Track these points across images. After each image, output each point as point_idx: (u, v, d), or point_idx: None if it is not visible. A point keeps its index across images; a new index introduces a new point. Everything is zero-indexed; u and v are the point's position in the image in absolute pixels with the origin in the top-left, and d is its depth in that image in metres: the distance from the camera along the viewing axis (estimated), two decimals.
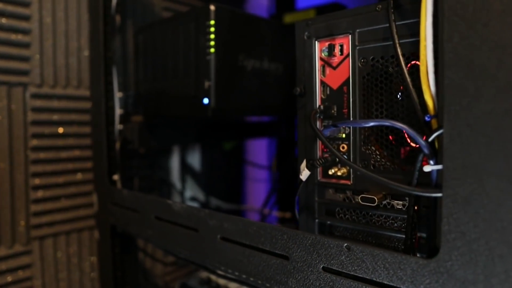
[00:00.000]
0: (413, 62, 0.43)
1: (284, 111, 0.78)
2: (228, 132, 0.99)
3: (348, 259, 0.42)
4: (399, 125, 0.38)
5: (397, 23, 0.43)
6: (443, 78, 0.35)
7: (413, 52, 0.42)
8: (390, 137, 0.46)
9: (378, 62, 0.45)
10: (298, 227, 0.54)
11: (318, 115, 0.49)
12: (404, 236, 0.44)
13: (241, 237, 0.52)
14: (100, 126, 0.75)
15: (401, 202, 0.45)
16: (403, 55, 0.43)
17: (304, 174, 0.48)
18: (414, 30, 0.42)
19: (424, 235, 0.43)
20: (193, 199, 1.01)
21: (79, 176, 0.85)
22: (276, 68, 0.75)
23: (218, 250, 0.55)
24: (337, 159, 0.49)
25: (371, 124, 0.39)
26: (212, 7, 0.63)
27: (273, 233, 0.48)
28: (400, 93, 0.44)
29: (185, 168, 1.01)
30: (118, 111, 0.77)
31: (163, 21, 0.74)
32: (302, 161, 0.53)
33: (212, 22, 0.63)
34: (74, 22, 0.83)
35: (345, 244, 0.42)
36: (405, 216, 0.44)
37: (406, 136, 0.45)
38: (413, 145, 0.45)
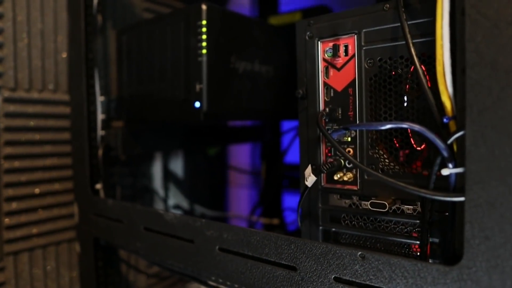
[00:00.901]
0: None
1: (275, 115, 0.76)
2: (212, 137, 0.96)
3: (362, 268, 0.40)
4: (417, 127, 0.36)
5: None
6: (464, 78, 0.34)
7: (423, 53, 0.41)
8: (395, 140, 0.45)
9: (386, 63, 0.44)
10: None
11: (324, 118, 0.47)
12: (416, 241, 0.43)
13: (242, 248, 0.49)
14: (82, 132, 0.71)
15: (411, 207, 0.43)
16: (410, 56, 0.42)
17: (310, 180, 0.46)
18: (424, 30, 0.41)
19: (436, 240, 0.42)
20: (177, 207, 0.97)
21: (57, 185, 0.80)
22: (267, 70, 0.72)
23: (216, 262, 0.52)
24: (347, 163, 0.47)
25: (388, 126, 0.38)
26: (204, 6, 0.61)
27: (278, 243, 0.46)
28: (410, 95, 0.43)
29: (168, 175, 0.97)
30: (100, 116, 0.72)
31: (149, 21, 0.70)
32: (304, 166, 0.51)
33: (204, 22, 0.61)
34: (50, 21, 0.78)
35: (359, 253, 0.40)
36: (416, 221, 0.43)
37: (412, 139, 0.44)
38: (418, 148, 0.44)
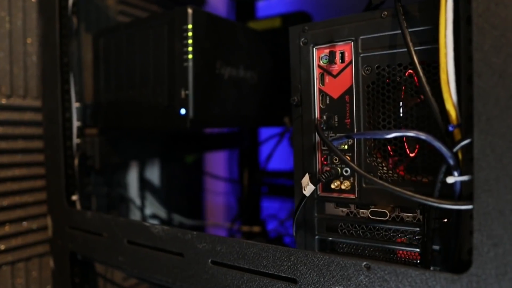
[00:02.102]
0: (410, 71, 0.42)
1: (259, 121, 0.75)
2: (190, 144, 0.93)
3: (367, 279, 0.39)
4: (424, 135, 0.36)
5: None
6: (471, 87, 0.34)
7: (423, 61, 0.41)
8: (389, 147, 0.45)
9: (384, 70, 0.44)
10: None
11: (322, 125, 0.46)
12: (415, 249, 0.43)
13: (238, 261, 0.47)
14: (56, 141, 0.67)
15: (410, 215, 0.43)
16: (411, 64, 0.42)
17: (308, 189, 0.45)
18: (422, 38, 0.41)
19: (436, 247, 0.42)
20: (154, 216, 0.94)
21: (27, 197, 0.74)
22: (251, 76, 0.71)
23: (209, 275, 0.49)
24: (344, 172, 0.46)
25: (393, 135, 0.37)
26: (190, 10, 0.58)
27: (277, 255, 0.44)
28: (408, 102, 0.43)
29: (144, 183, 0.93)
30: (76, 124, 0.68)
31: (129, 24, 0.67)
32: (299, 175, 0.50)
33: (190, 26, 0.59)
34: (19, 22, 0.73)
35: (364, 263, 0.39)
36: (415, 229, 0.43)
37: (407, 146, 0.44)
38: (411, 154, 0.44)
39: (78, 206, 0.68)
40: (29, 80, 0.75)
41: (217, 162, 1.13)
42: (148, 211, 0.93)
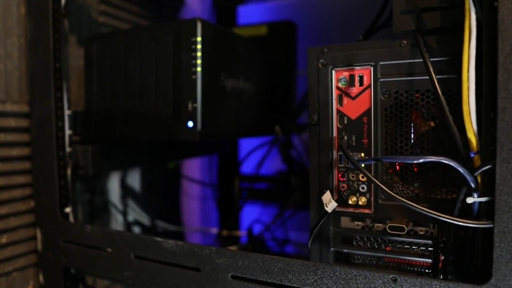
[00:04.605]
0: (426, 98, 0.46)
1: (257, 131, 0.76)
2: (174, 150, 0.92)
3: None
4: (449, 161, 0.40)
5: (419, 60, 0.45)
6: (496, 119, 0.38)
7: None
8: (397, 166, 0.49)
9: (402, 95, 0.47)
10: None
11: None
12: (428, 260, 0.47)
13: (261, 275, 0.49)
14: (48, 150, 0.63)
15: (424, 228, 0.47)
16: (428, 91, 0.46)
17: (331, 206, 0.47)
18: (439, 68, 0.45)
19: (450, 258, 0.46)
20: (137, 223, 0.92)
21: (4, 209, 0.70)
22: (249, 87, 0.72)
23: None
24: (360, 188, 0.49)
25: (422, 160, 0.41)
26: (199, 23, 0.58)
27: (303, 269, 0.46)
28: (425, 126, 0.47)
29: (126, 190, 0.91)
30: (68, 132, 0.65)
31: (127, 31, 0.65)
32: (314, 189, 0.52)
33: (199, 38, 0.59)
34: None
35: (391, 276, 0.42)
36: (428, 242, 0.47)
37: (415, 167, 0.48)
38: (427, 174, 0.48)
39: (71, 218, 0.65)
40: (9, 84, 0.70)
41: (195, 167, 1.13)
42: (130, 217, 0.91)
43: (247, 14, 1.08)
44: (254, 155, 0.96)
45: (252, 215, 1.02)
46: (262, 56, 0.77)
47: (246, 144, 1.06)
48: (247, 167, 1.04)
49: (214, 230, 1.03)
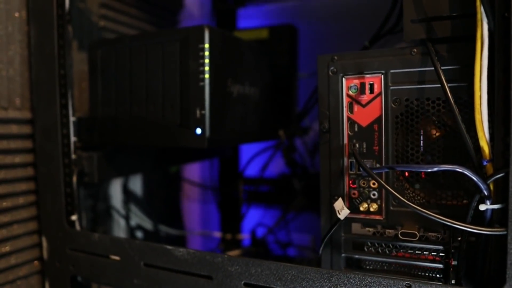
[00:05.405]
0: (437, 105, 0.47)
1: (261, 136, 0.76)
2: (176, 155, 0.92)
3: None
4: (463, 170, 0.40)
5: (430, 68, 0.46)
6: (506, 128, 0.39)
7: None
8: (406, 173, 0.50)
9: (413, 103, 0.48)
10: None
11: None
12: (439, 265, 0.47)
13: (274, 283, 0.49)
14: (55, 158, 0.63)
15: (435, 234, 0.48)
16: (439, 99, 0.46)
17: (343, 213, 0.48)
18: (449, 77, 0.45)
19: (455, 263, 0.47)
20: (139, 227, 0.92)
21: (7, 217, 0.69)
22: (254, 92, 0.72)
23: None
24: (371, 195, 0.50)
25: (436, 169, 0.41)
26: (206, 30, 0.58)
27: (317, 276, 0.47)
28: (435, 134, 0.47)
29: (128, 195, 0.91)
30: (73, 139, 0.65)
31: (133, 37, 0.65)
32: (325, 196, 0.53)
33: (207, 45, 0.58)
34: (1, 28, 0.67)
35: (405, 283, 0.43)
36: (439, 247, 0.47)
37: (423, 174, 0.49)
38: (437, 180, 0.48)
39: (78, 226, 0.65)
40: (12, 90, 0.69)
41: (196, 170, 1.12)
42: (133, 222, 0.91)
43: (246, 17, 1.07)
44: (252, 157, 0.96)
45: (253, 218, 1.02)
46: (266, 60, 0.78)
47: (247, 147, 1.06)
48: (248, 170, 1.04)
49: (216, 234, 1.03)
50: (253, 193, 1.04)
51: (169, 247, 0.55)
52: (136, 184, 0.94)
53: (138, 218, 0.91)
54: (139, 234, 0.92)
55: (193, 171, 1.12)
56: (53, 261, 0.66)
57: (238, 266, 0.51)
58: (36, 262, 0.75)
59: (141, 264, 0.57)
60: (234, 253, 0.92)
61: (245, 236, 1.00)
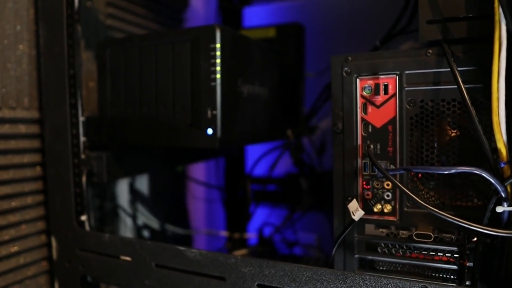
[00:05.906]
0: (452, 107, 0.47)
1: (271, 136, 0.76)
2: (184, 154, 0.92)
3: None
4: (481, 172, 0.40)
5: (445, 70, 0.46)
6: None
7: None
8: (420, 175, 0.49)
9: (428, 104, 0.48)
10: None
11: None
12: (453, 266, 0.47)
13: (289, 284, 0.49)
14: (64, 158, 0.63)
15: (449, 235, 0.48)
16: (454, 100, 0.46)
17: (358, 214, 0.48)
18: (465, 78, 0.45)
19: (471, 264, 0.47)
20: (146, 227, 0.92)
21: (16, 217, 0.69)
22: (264, 92, 0.72)
23: None
24: (385, 196, 0.50)
25: (454, 171, 0.41)
26: (218, 30, 0.58)
27: (332, 278, 0.47)
28: (450, 135, 0.47)
29: (135, 194, 0.90)
30: (82, 139, 0.65)
31: (143, 37, 0.65)
32: (338, 197, 0.52)
33: (218, 45, 0.58)
34: (10, 27, 0.66)
35: (421, 284, 0.43)
36: (453, 248, 0.47)
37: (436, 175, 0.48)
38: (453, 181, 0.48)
39: (87, 226, 0.65)
40: (20, 90, 0.69)
41: (202, 170, 1.12)
42: (139, 221, 0.91)
43: (252, 16, 1.07)
44: (260, 157, 0.96)
45: (260, 217, 1.02)
46: (274, 59, 0.77)
47: (252, 146, 1.06)
48: (255, 169, 1.04)
49: (223, 233, 1.03)
50: (260, 192, 1.04)
51: (181, 248, 0.55)
52: (143, 183, 0.94)
53: (145, 217, 0.91)
54: (145, 233, 0.92)
55: (199, 170, 1.11)
56: (63, 261, 0.65)
57: (252, 267, 0.51)
58: (44, 262, 0.75)
59: (152, 265, 0.57)
60: (241, 252, 0.92)
61: (251, 235, 1.00)
